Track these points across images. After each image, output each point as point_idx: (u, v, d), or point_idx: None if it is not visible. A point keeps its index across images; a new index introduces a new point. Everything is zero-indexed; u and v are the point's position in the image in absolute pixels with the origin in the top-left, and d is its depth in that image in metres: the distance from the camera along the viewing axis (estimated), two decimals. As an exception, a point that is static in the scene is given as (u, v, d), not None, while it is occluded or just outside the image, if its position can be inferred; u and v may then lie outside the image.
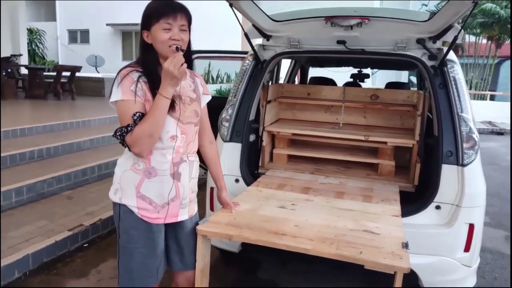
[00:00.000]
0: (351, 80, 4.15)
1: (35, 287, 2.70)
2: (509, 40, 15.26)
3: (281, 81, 4.50)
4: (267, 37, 2.70)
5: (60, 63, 16.61)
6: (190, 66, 1.73)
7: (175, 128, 1.60)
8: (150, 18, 1.56)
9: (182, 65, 1.48)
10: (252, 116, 2.74)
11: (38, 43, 17.67)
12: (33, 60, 16.14)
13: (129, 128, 1.51)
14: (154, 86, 1.55)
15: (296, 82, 4.68)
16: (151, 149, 1.56)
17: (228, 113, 2.68)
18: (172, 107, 1.56)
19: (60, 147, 5.02)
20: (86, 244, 3.35)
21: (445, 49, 2.38)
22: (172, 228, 1.73)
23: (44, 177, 4.02)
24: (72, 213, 3.64)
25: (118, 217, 1.64)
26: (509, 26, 14.58)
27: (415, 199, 2.52)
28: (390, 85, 4.18)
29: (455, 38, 2.23)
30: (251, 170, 2.78)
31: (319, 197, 2.35)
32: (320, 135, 2.96)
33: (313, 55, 2.82)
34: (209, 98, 1.82)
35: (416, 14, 2.44)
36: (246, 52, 2.95)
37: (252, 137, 2.81)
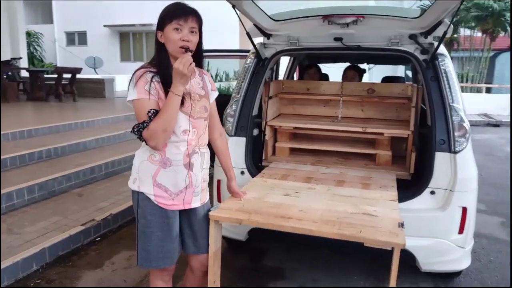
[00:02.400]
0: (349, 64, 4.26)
1: (31, 287, 2.80)
2: (504, 33, 15.42)
3: (280, 77, 4.64)
4: (267, 35, 2.84)
5: (58, 65, 16.71)
6: (201, 65, 1.88)
7: (186, 123, 1.74)
8: (164, 19, 1.71)
9: (190, 64, 1.62)
10: (255, 112, 2.89)
11: (36, 46, 17.77)
12: (31, 63, 16.22)
13: (145, 124, 1.65)
14: (166, 84, 1.70)
15: (295, 78, 4.83)
16: (166, 142, 1.71)
17: (232, 109, 2.83)
18: (182, 103, 1.70)
19: (67, 147, 5.16)
20: (99, 238, 3.50)
21: (436, 43, 2.53)
22: (186, 215, 1.87)
23: (54, 176, 4.17)
24: (83, 209, 3.78)
25: (137, 204, 1.79)
26: (502, 19, 14.75)
27: (411, 186, 2.67)
28: (386, 79, 4.33)
29: (445, 33, 2.38)
30: (255, 162, 2.93)
31: (320, 185, 2.50)
32: (320, 128, 3.10)
33: (312, 52, 2.96)
34: (216, 94, 1.97)
35: (408, 11, 2.58)
36: (244, 51, 3.09)
37: (255, 132, 2.96)
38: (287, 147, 3.20)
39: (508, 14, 14.51)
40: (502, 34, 15.70)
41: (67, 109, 8.25)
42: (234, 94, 2.87)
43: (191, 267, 2.02)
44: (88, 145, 5.55)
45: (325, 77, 4.29)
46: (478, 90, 15.69)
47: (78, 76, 9.80)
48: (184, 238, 1.92)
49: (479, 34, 16.17)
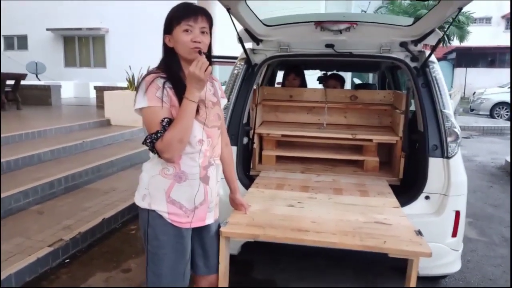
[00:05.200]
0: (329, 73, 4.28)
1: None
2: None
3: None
4: (257, 41, 2.76)
5: (-5, 71, 15.44)
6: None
7: (201, 132, 1.61)
8: (171, 21, 1.58)
9: (207, 68, 1.50)
10: (245, 119, 2.78)
11: (-31, 51, 16.31)
12: (-37, 68, 14.86)
13: (158, 135, 1.50)
14: (178, 90, 1.55)
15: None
16: (181, 153, 1.56)
17: (222, 117, 2.70)
18: (196, 111, 1.57)
19: (20, 160, 4.72)
20: (68, 260, 3.19)
21: (426, 52, 2.59)
22: (198, 232, 1.73)
23: (10, 192, 3.77)
24: (47, 228, 3.45)
25: (147, 223, 1.62)
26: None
27: (401, 191, 2.69)
28: (359, 87, 4.41)
29: (439, 40, 2.43)
30: (244, 172, 2.82)
31: (320, 194, 2.44)
32: (308, 135, 3.06)
33: (303, 58, 2.92)
34: (225, 101, 1.85)
35: (399, 19, 2.62)
36: (233, 57, 2.99)
37: (245, 140, 2.85)
38: (274, 155, 3.12)
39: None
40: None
41: (12, 119, 7.59)
42: (223, 101, 2.74)
43: (198, 289, 1.86)
44: (43, 157, 5.11)
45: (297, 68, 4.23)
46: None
47: (21, 82, 9.10)
48: (194, 258, 1.76)
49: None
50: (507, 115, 14.59)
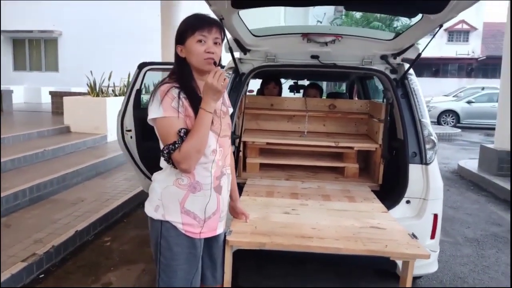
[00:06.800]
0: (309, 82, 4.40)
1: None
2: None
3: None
4: (245, 51, 2.80)
5: None
6: None
7: (215, 142, 1.62)
8: (185, 32, 1.59)
9: (225, 79, 1.53)
10: (232, 128, 2.80)
11: None
12: None
13: (176, 145, 1.50)
14: (192, 100, 1.56)
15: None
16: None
17: (210, 126, 2.71)
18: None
19: (-21, 170, 4.42)
20: (42, 275, 3.04)
21: (405, 65, 2.75)
22: (207, 243, 1.73)
23: (-28, 205, 3.53)
24: (17, 242, 3.27)
25: (160, 235, 1.60)
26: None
27: (381, 196, 2.82)
28: (331, 95, 4.55)
29: (419, 54, 2.59)
30: (231, 180, 2.83)
31: (310, 201, 2.51)
32: (292, 143, 3.13)
33: (289, 68, 2.99)
34: (232, 110, 1.88)
35: (381, 33, 2.77)
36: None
37: (232, 148, 2.87)
38: (258, 162, 3.16)
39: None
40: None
41: (-39, 125, 7.07)
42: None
43: (204, 300, 1.85)
44: (2, 166, 4.81)
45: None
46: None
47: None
48: (202, 268, 1.76)
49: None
50: (452, 122, 15.58)
